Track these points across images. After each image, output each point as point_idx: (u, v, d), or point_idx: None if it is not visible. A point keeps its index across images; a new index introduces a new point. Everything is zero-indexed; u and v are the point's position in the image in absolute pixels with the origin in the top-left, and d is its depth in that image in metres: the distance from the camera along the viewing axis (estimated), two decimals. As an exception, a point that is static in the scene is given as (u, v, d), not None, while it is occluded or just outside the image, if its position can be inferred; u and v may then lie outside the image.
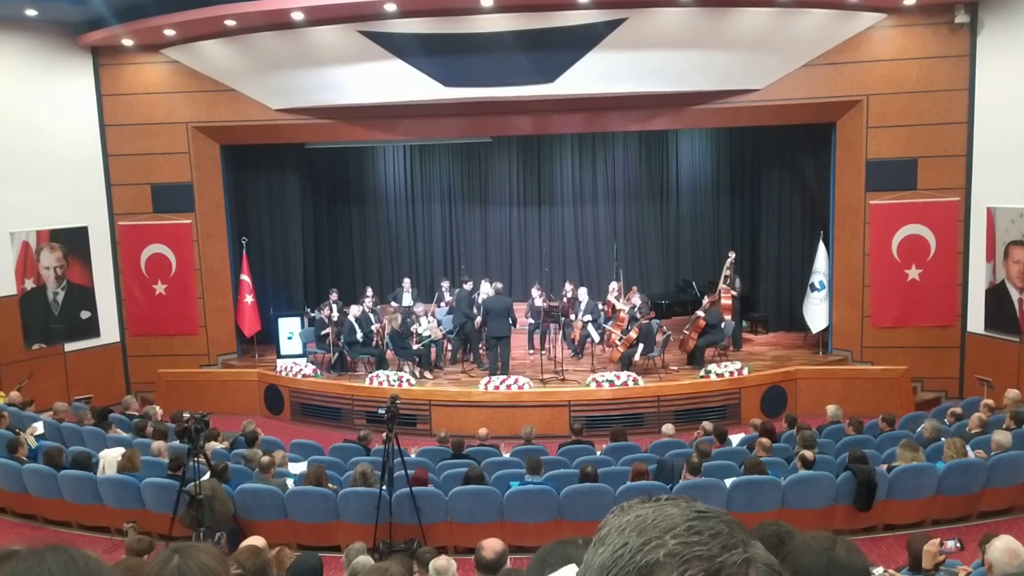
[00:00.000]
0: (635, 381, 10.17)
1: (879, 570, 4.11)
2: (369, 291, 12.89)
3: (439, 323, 11.91)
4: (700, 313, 11.13)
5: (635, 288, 12.09)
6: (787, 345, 12.35)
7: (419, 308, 11.82)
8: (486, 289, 11.93)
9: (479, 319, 11.51)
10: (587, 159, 15.04)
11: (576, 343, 11.89)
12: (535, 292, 12.34)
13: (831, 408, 8.71)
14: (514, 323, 11.03)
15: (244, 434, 8.25)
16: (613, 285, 12.66)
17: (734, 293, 11.86)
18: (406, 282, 13.25)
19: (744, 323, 12.48)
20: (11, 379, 10.66)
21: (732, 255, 12.11)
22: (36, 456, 7.83)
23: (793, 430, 8.02)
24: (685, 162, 14.73)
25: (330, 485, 6.92)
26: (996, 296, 10.23)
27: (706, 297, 11.39)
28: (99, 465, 7.42)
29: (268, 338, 12.58)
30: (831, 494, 6.66)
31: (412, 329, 11.30)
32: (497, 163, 15.30)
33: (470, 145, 14.98)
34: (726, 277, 11.94)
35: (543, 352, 11.67)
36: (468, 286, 11.74)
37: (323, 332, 11.57)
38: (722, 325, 11.23)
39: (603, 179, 15.06)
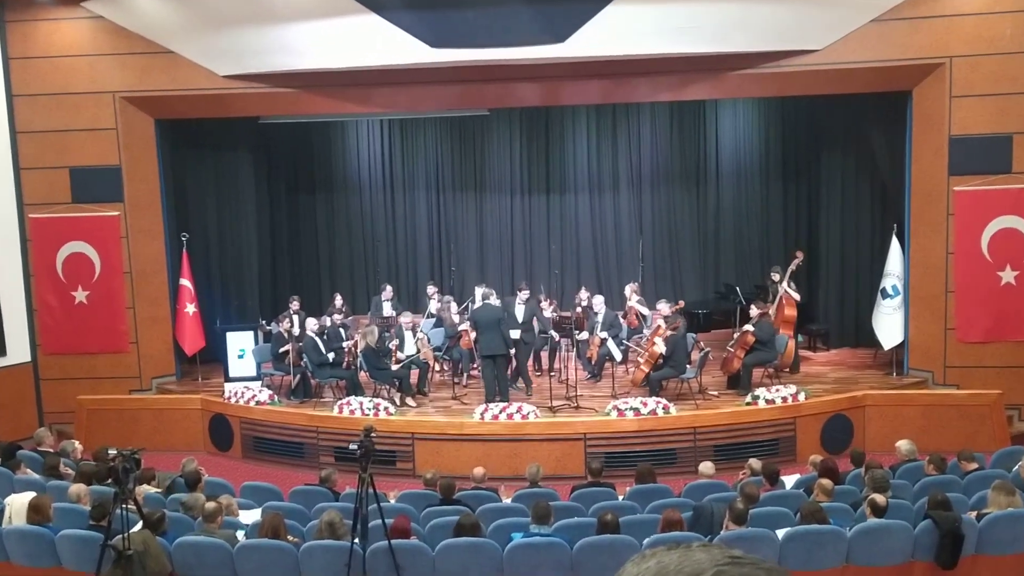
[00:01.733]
0: (665, 409, 10.15)
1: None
2: (338, 299, 12.89)
3: (428, 339, 11.91)
4: (749, 327, 11.07)
5: (681, 303, 12.00)
6: (853, 364, 12.33)
7: (406, 319, 11.80)
8: (479, 296, 11.93)
9: (469, 333, 11.51)
10: (606, 136, 15.06)
11: (593, 362, 11.87)
12: (542, 301, 12.33)
13: (904, 445, 8.66)
14: (508, 344, 10.98)
15: (184, 475, 8.24)
16: (630, 288, 12.65)
17: (797, 299, 11.82)
18: (387, 289, 13.25)
19: (800, 338, 12.47)
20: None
21: (800, 256, 12.06)
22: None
23: (860, 469, 8.00)
24: (727, 140, 14.75)
25: (290, 538, 6.90)
26: (1110, 304, 10.21)
27: (754, 306, 11.35)
28: (4, 514, 7.41)
29: (214, 357, 12.56)
30: (907, 547, 6.64)
31: (391, 345, 11.29)
32: (496, 141, 15.33)
33: (463, 119, 15.00)
34: (789, 280, 11.86)
35: (552, 374, 11.65)
36: (522, 294, 11.38)
37: (282, 349, 11.57)
38: (775, 340, 11.20)
39: (626, 161, 15.07)
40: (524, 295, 11.43)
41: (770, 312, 11.80)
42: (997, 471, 8.06)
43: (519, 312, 11.34)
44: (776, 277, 11.97)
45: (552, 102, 13.15)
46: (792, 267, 11.93)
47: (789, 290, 11.81)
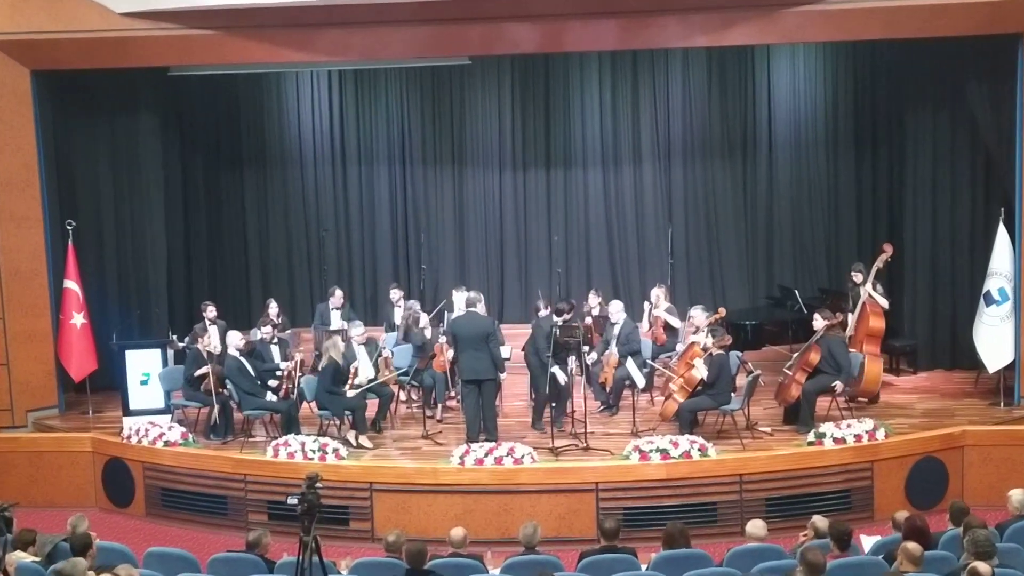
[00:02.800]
0: (702, 451, 10.13)
1: None
2: (273, 306, 12.82)
3: (389, 354, 11.87)
4: (813, 354, 10.99)
5: (722, 311, 11.98)
6: (947, 392, 12.34)
7: (357, 332, 11.76)
8: (458, 303, 11.88)
9: (445, 351, 11.51)
10: (624, 93, 15.05)
11: (608, 389, 11.85)
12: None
13: (1017, 495, 8.66)
14: (499, 365, 10.99)
15: (70, 538, 8.20)
16: (657, 293, 12.65)
17: (884, 306, 11.76)
18: (336, 294, 13.20)
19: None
20: None
21: (888, 250, 12.03)
22: None
23: (958, 529, 8.00)
24: (782, 99, 14.75)
25: (208, 621, 6.87)
26: None
27: (818, 315, 11.33)
28: None
29: (109, 383, 12.51)
30: (1020, 632, 6.63)
31: (351, 367, 11.24)
32: (480, 100, 15.29)
33: (437, 71, 14.95)
34: (874, 282, 11.82)
35: (554, 405, 11.62)
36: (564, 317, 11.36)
37: (198, 373, 11.52)
38: (848, 361, 11.17)
39: (650, 126, 15.06)
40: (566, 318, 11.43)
41: (848, 323, 11.78)
42: None
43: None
44: (859, 278, 11.92)
45: (554, 48, 13.10)
46: (879, 264, 11.91)
47: (875, 295, 11.77)
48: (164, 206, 13.80)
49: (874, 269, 11.90)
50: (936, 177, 13.06)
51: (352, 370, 11.21)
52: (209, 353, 11.59)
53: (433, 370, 11.84)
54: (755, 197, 14.95)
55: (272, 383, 11.39)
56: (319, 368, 11.19)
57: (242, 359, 11.27)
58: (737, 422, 10.98)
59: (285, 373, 11.45)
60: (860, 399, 11.72)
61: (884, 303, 11.82)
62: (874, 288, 11.82)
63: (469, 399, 10.81)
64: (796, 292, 13.28)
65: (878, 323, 11.75)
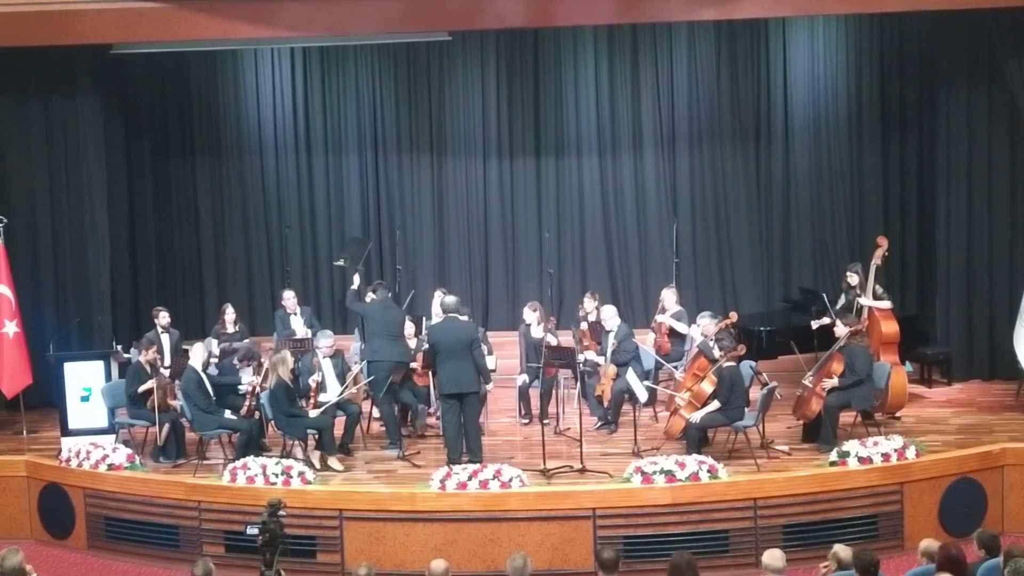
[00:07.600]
0: (712, 472, 10.14)
1: None
2: (229, 312, 12.78)
3: (363, 372, 11.86)
4: (834, 367, 11.05)
5: (733, 316, 11.99)
6: (985, 405, 12.36)
7: (326, 343, 11.74)
8: (435, 307, 11.86)
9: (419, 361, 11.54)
10: (622, 73, 15.04)
11: (606, 404, 11.86)
12: (530, 315, 12.31)
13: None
14: (485, 375, 11.00)
15: (2, 573, 8.19)
16: (667, 295, 12.67)
17: (886, 307, 11.78)
18: (288, 297, 13.17)
19: (908, 366, 12.49)
20: None
21: (883, 244, 12.03)
22: None
23: (996, 558, 8.03)
24: (800, 79, 14.75)
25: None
26: None
27: (841, 322, 11.38)
28: None
29: (46, 399, 12.50)
30: (1067, 674, 6.64)
31: (311, 382, 11.20)
32: (462, 81, 15.27)
33: (413, 48, 14.92)
34: (874, 285, 11.87)
35: (546, 422, 11.61)
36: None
37: (142, 389, 11.46)
38: (872, 371, 11.21)
39: (651, 110, 15.05)
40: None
41: (863, 330, 11.80)
42: None
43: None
44: (854, 280, 11.94)
45: (543, 23, 13.08)
46: (876, 262, 11.91)
47: (876, 303, 11.76)
48: (107, 200, 13.70)
49: (873, 267, 11.88)
50: (972, 166, 13.04)
51: (312, 385, 11.17)
52: (152, 366, 11.53)
53: (412, 383, 11.80)
54: (770, 188, 14.95)
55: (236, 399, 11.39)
56: (270, 388, 11.10)
57: (202, 374, 11.20)
58: (751, 440, 10.97)
59: (249, 389, 11.40)
60: (887, 415, 11.72)
61: (885, 304, 11.80)
62: (874, 292, 11.80)
63: (450, 415, 10.78)
64: (824, 296, 13.15)
65: (890, 327, 11.73)
